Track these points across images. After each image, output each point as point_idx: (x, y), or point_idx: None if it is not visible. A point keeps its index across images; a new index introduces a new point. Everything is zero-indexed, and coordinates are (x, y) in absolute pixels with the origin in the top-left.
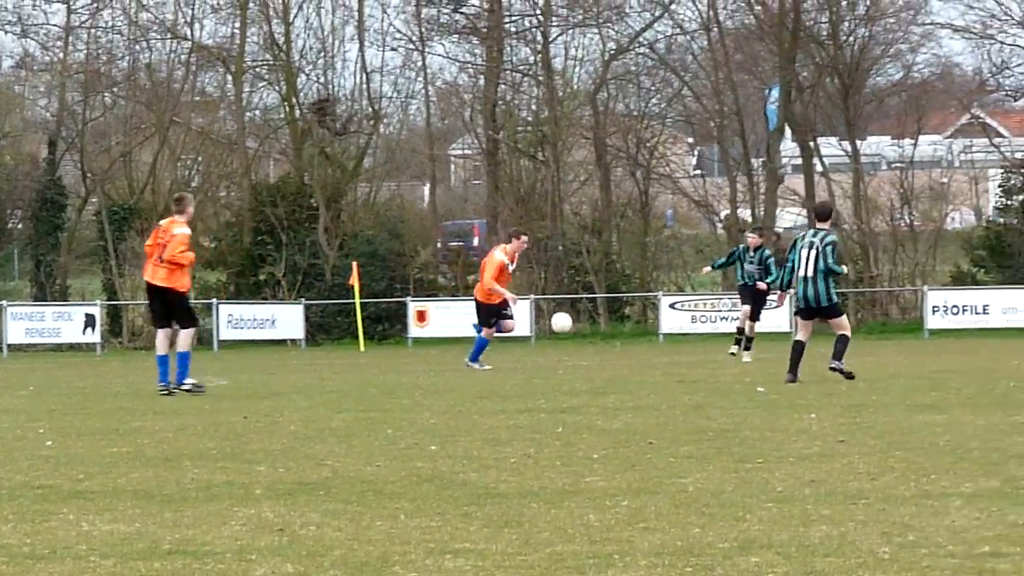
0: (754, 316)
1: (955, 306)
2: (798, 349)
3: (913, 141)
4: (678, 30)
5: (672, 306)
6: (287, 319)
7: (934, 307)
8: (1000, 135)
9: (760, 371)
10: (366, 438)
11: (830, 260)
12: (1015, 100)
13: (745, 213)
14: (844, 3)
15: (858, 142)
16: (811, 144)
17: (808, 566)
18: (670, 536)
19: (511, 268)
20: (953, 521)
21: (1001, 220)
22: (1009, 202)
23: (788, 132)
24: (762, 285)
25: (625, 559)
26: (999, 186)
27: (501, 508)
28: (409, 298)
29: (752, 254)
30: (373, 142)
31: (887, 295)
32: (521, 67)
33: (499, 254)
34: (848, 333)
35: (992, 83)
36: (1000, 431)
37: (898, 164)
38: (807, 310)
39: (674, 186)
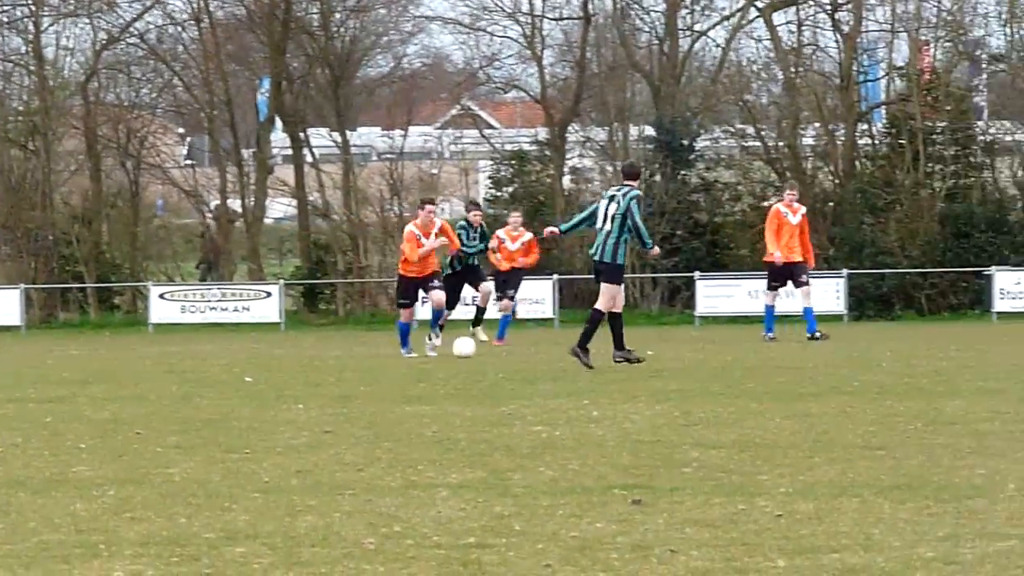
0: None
1: None
2: (609, 322)
3: (403, 132)
4: (169, 20)
5: (162, 296)
6: None
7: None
8: (491, 127)
9: (261, 357)
10: None
11: (636, 216)
12: (504, 92)
13: (235, 203)
14: None
15: (348, 133)
16: (301, 135)
17: (294, 556)
18: (156, 526)
19: (426, 242)
20: (439, 512)
21: (491, 211)
22: (499, 193)
23: (279, 123)
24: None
25: (111, 548)
26: (489, 177)
27: None
28: None
29: (475, 231)
30: None
31: (376, 286)
32: (12, 56)
33: (410, 227)
34: (602, 309)
35: (482, 75)
36: (487, 422)
37: (388, 155)
38: (596, 271)
39: (164, 176)
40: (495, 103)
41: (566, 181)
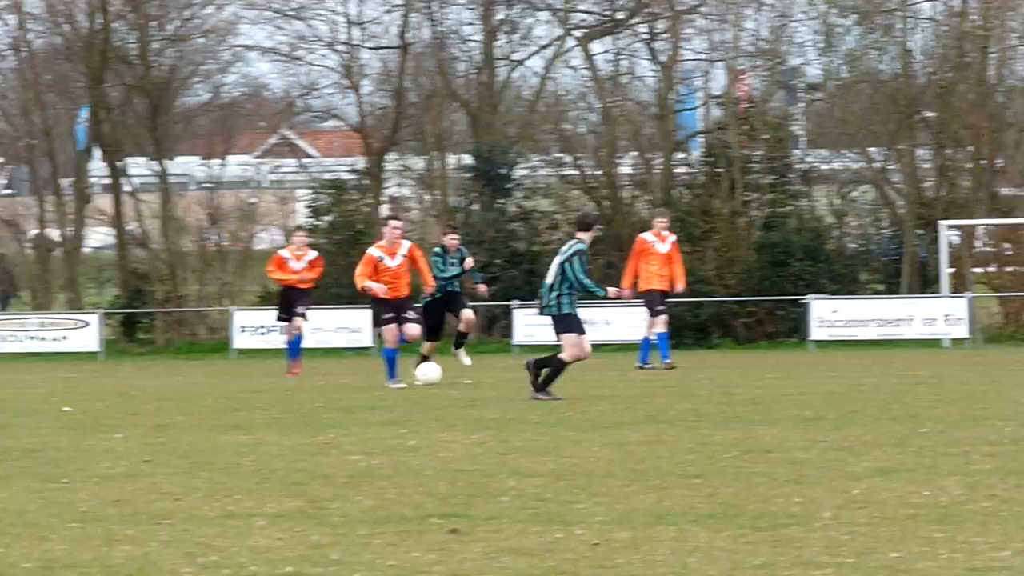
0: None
1: (263, 326)
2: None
3: (222, 161)
4: None
5: None
6: None
7: (242, 327)
8: (308, 155)
9: (71, 390)
10: None
11: (577, 270)
12: (323, 121)
13: (55, 232)
14: (155, 24)
15: (167, 162)
16: (120, 164)
17: None
18: None
19: (391, 264)
20: (256, 541)
21: (309, 240)
22: (318, 222)
23: (97, 152)
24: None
25: None
26: (307, 206)
27: None
28: None
29: (452, 256)
30: None
31: (195, 315)
32: None
33: (371, 249)
34: (565, 359)
35: (300, 104)
36: (305, 451)
37: (207, 184)
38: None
39: None
40: (314, 132)
41: (384, 210)
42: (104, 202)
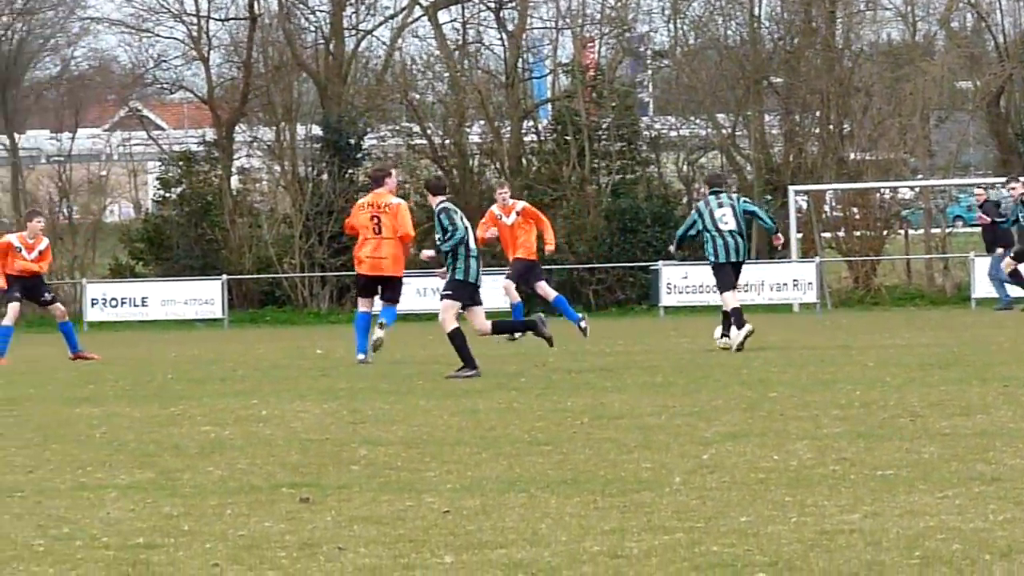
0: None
1: (115, 299)
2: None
3: (72, 134)
4: None
5: None
6: None
7: (93, 300)
8: (159, 127)
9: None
10: None
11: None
12: (171, 93)
13: None
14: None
15: (17, 136)
16: None
17: None
18: None
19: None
20: (108, 513)
21: (160, 212)
22: (167, 194)
23: None
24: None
25: None
26: (158, 178)
27: None
28: None
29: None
30: None
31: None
32: None
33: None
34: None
35: (149, 76)
36: (156, 422)
37: (57, 158)
38: None
39: None
40: (163, 104)
41: (234, 181)
42: None
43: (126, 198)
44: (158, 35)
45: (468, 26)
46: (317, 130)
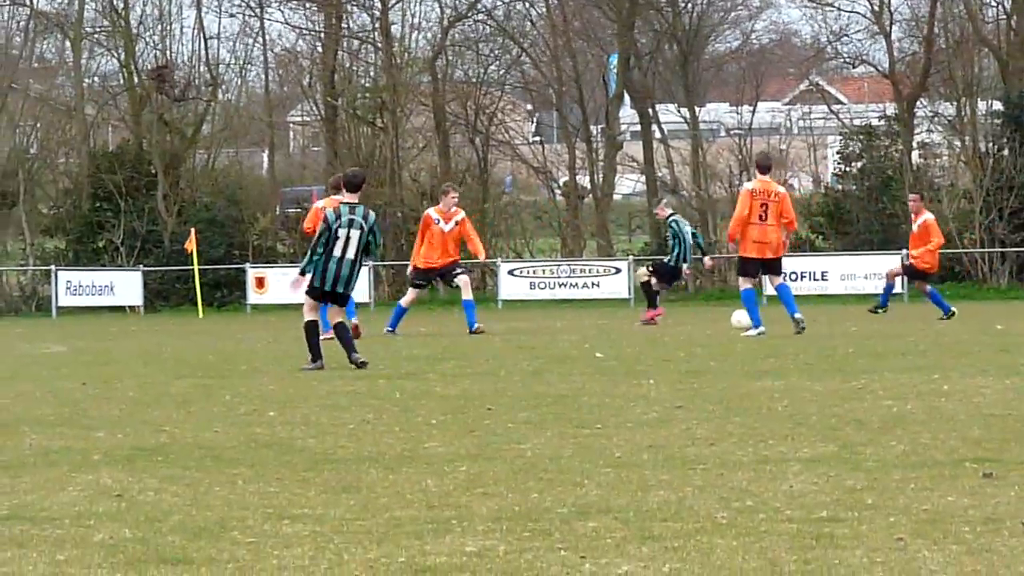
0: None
1: (794, 272)
2: None
3: (751, 108)
4: None
5: (511, 273)
6: (126, 285)
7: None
8: (839, 102)
9: (602, 337)
10: (204, 404)
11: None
12: (853, 67)
13: (584, 180)
14: None
15: (697, 109)
16: (650, 111)
17: (646, 531)
18: (508, 501)
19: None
20: (791, 486)
21: (839, 186)
22: (848, 168)
23: (627, 99)
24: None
25: (463, 524)
26: (837, 152)
27: (339, 474)
28: (248, 264)
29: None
30: (212, 108)
31: (726, 261)
32: (360, 34)
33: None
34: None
35: (830, 50)
36: (838, 396)
37: (736, 131)
38: None
39: (513, 153)
40: (843, 78)
41: (914, 156)
42: (634, 149)
43: (805, 172)
44: (840, 8)
45: None
46: (998, 106)
